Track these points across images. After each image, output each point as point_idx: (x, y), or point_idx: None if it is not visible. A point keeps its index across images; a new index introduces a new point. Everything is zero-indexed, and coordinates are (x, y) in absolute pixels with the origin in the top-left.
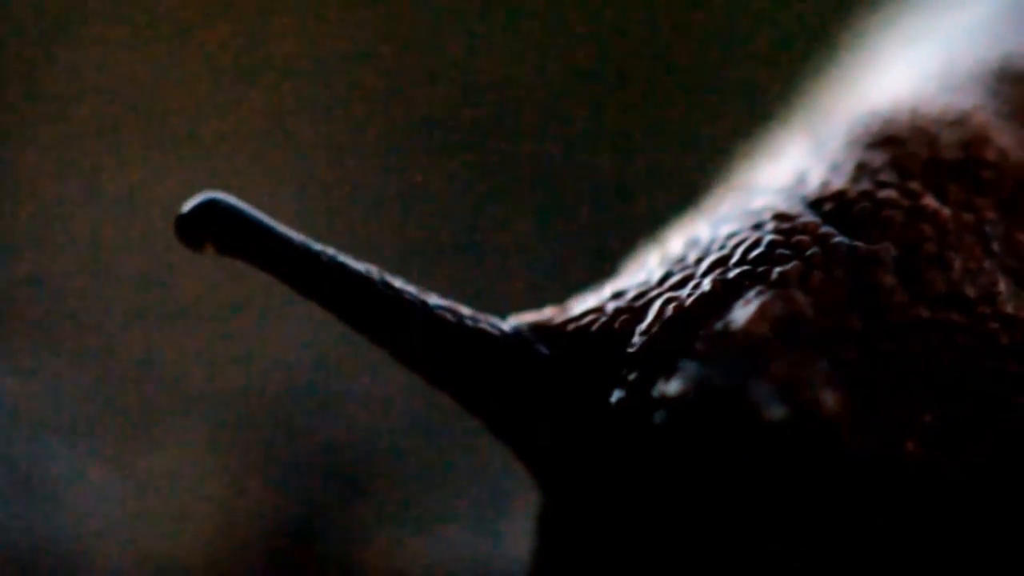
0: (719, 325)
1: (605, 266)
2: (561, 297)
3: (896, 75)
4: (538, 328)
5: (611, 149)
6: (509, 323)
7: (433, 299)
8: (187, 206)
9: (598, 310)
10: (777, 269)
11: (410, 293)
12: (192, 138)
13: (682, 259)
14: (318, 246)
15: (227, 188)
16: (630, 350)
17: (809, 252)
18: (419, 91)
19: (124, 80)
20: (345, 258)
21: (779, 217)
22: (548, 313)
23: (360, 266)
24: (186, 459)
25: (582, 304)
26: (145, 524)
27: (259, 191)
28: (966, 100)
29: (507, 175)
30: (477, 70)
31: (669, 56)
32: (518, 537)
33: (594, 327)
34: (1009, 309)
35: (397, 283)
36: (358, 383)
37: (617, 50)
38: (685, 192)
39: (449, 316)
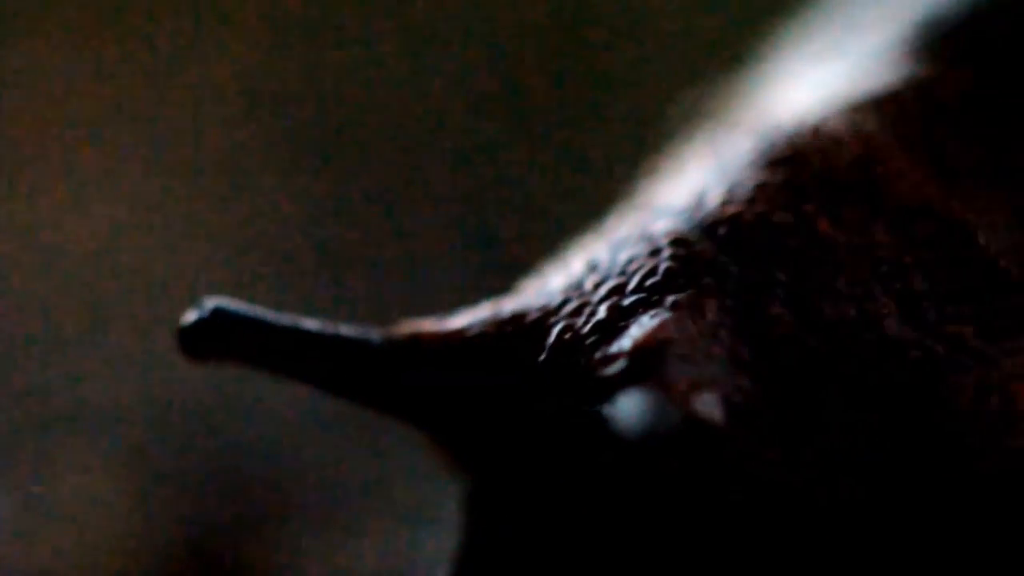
0: (611, 348)
1: (506, 279)
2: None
3: (802, 92)
4: (426, 337)
5: (517, 161)
6: (394, 330)
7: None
8: (189, 319)
9: (495, 326)
10: (670, 297)
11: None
12: (84, 152)
13: (580, 285)
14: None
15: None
16: (526, 369)
17: (703, 281)
18: (318, 104)
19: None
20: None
21: (676, 243)
22: (441, 323)
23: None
24: (86, 481)
25: (478, 318)
26: (52, 545)
27: (157, 204)
28: (867, 120)
29: (402, 188)
30: (374, 83)
31: (571, 69)
32: (438, 545)
33: (491, 343)
34: (893, 335)
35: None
36: (268, 400)
37: (519, 64)
38: (591, 204)
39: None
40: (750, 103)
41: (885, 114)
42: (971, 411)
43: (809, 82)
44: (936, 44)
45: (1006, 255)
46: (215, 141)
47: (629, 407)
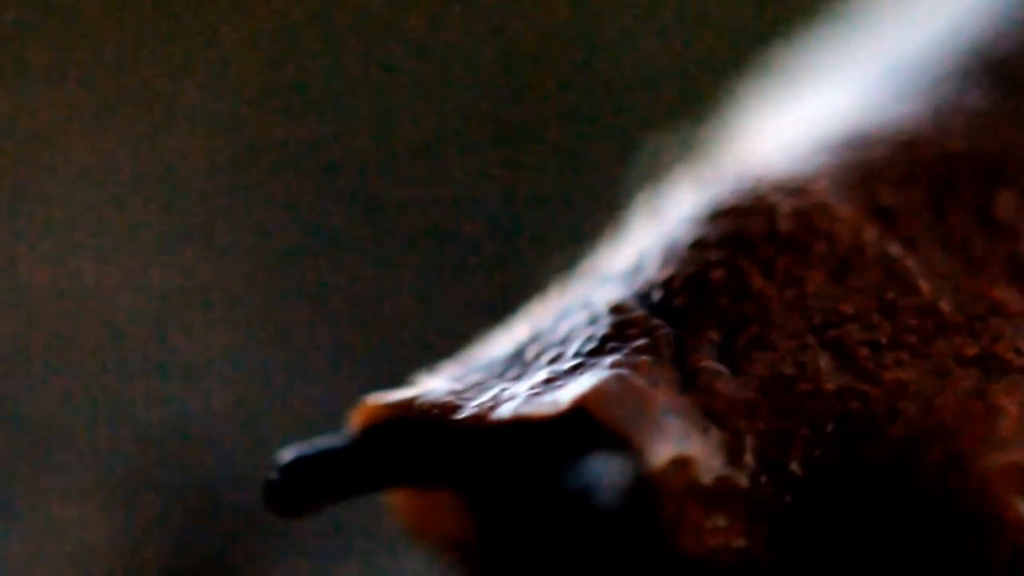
0: (546, 401)
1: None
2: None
3: (757, 139)
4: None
5: (509, 175)
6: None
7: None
8: (274, 477)
9: (433, 390)
10: (608, 359)
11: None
12: (67, 183)
13: (522, 354)
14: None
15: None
16: (459, 423)
17: (637, 343)
18: (308, 117)
19: None
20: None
21: (614, 311)
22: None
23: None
24: (74, 508)
25: (423, 387)
26: (42, 574)
27: (144, 232)
28: (813, 167)
29: (391, 200)
30: (367, 94)
31: (564, 86)
32: (420, 569)
33: (428, 403)
34: (830, 386)
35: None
36: (257, 427)
37: (512, 81)
38: (581, 218)
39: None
40: (712, 152)
41: (833, 159)
42: (913, 456)
43: (766, 129)
44: (891, 88)
45: (945, 296)
46: (203, 155)
47: (565, 459)
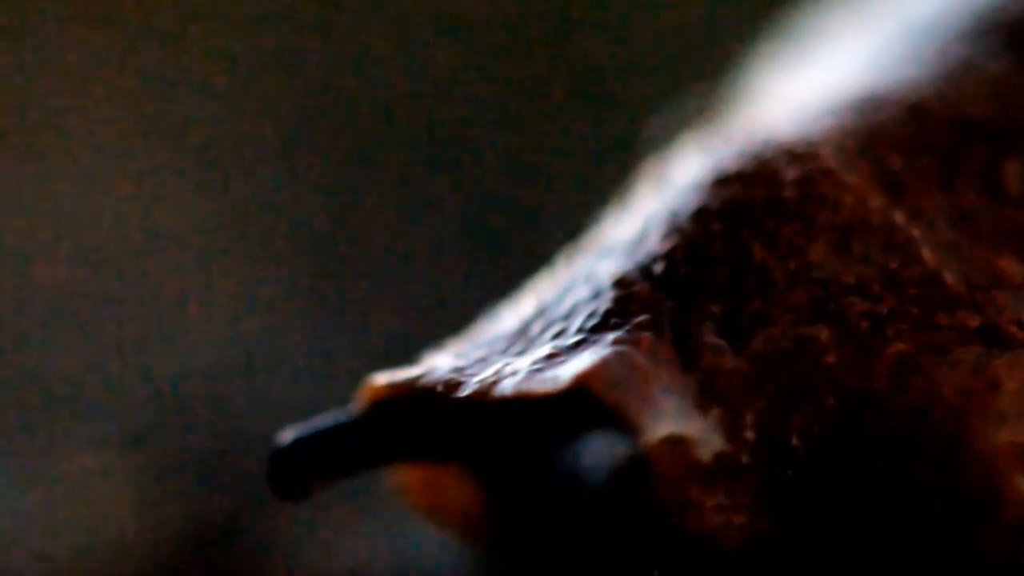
0: (547, 377)
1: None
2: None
3: (770, 103)
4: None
5: (517, 152)
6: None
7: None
8: (274, 458)
9: (437, 368)
10: (609, 335)
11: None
12: (86, 141)
13: (527, 330)
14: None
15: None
16: (462, 401)
17: (639, 319)
18: (319, 96)
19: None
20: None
21: (617, 284)
22: (400, 376)
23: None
24: (92, 464)
25: (427, 366)
26: (52, 530)
27: (160, 191)
28: (820, 132)
29: (402, 178)
30: (373, 73)
31: (572, 61)
32: (427, 541)
33: (432, 381)
34: (830, 360)
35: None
36: (264, 385)
37: (519, 56)
38: (592, 195)
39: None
40: (722, 117)
41: (837, 123)
42: (913, 432)
43: (775, 93)
44: (902, 52)
45: (949, 266)
46: (216, 132)
47: (563, 436)
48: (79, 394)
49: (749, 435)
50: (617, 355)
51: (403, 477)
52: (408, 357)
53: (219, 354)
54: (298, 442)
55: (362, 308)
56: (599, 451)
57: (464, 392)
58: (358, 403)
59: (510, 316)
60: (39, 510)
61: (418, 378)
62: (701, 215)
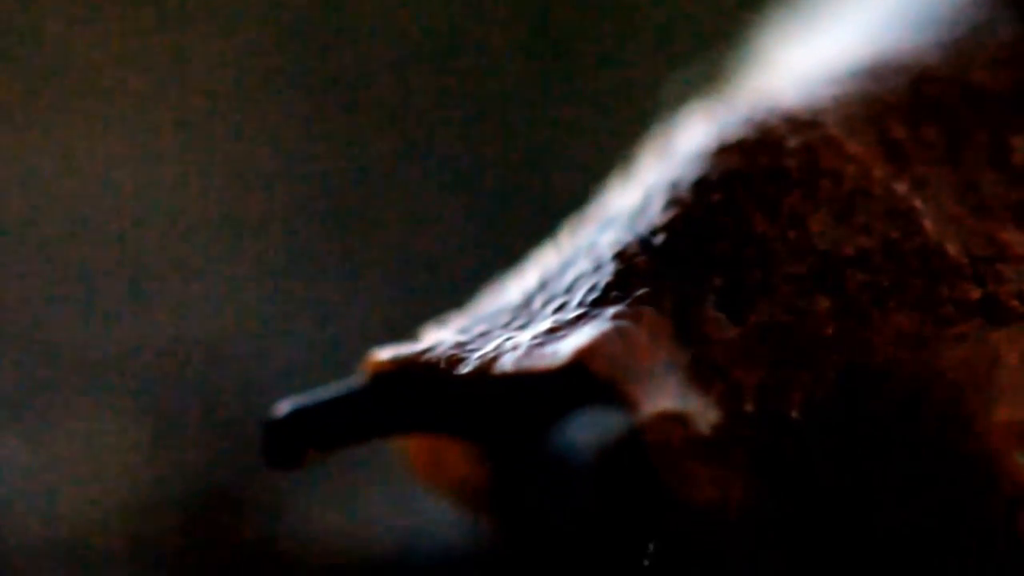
0: (546, 353)
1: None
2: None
3: (775, 73)
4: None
5: (532, 108)
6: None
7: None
8: (271, 430)
9: (440, 343)
10: (609, 310)
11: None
12: (100, 104)
13: (529, 304)
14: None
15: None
16: (463, 377)
17: (639, 292)
18: (326, 53)
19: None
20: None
21: (617, 257)
22: (402, 350)
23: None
24: (99, 430)
25: (426, 338)
26: (65, 492)
27: (167, 155)
28: (824, 99)
29: (411, 139)
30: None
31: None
32: (435, 508)
33: (434, 357)
34: (830, 333)
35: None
36: (278, 348)
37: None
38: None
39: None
40: (731, 86)
41: (843, 90)
42: (913, 406)
43: (784, 62)
44: (911, 19)
45: (952, 239)
46: (221, 95)
47: (562, 411)
48: (86, 359)
49: (748, 408)
50: (616, 330)
51: (405, 446)
52: (414, 323)
53: (229, 318)
54: (295, 413)
55: (370, 273)
56: (596, 426)
57: (466, 368)
58: (360, 376)
59: (514, 288)
60: (47, 475)
61: (421, 353)
62: (702, 185)
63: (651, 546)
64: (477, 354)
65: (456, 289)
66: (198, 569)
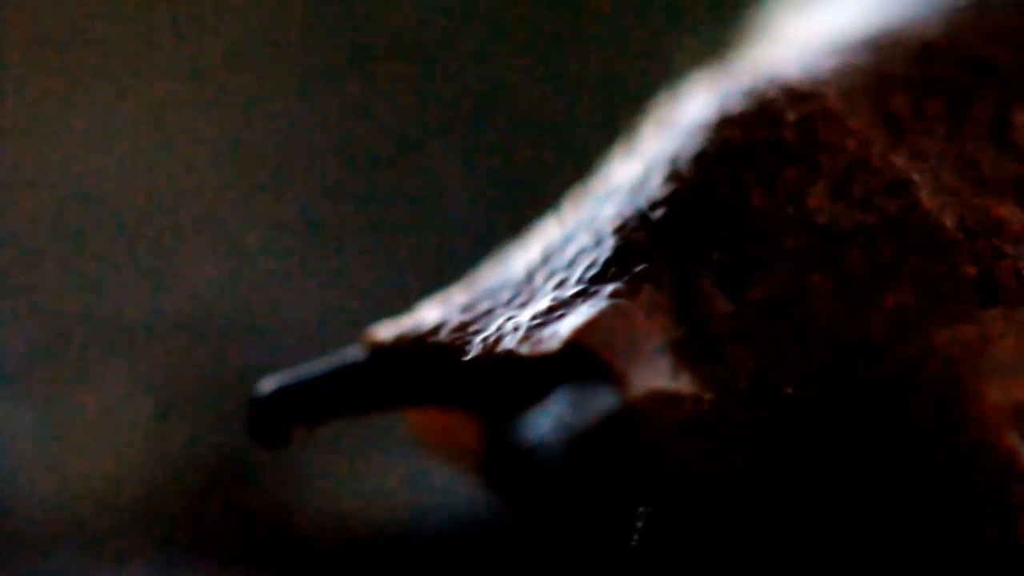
0: (545, 334)
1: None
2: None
3: (778, 44)
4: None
5: (536, 86)
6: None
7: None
8: (255, 408)
9: (444, 323)
10: (608, 287)
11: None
12: (111, 78)
13: (532, 278)
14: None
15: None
16: (467, 359)
17: (637, 268)
18: (334, 32)
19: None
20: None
21: (617, 232)
22: (399, 327)
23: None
24: (115, 396)
25: (429, 315)
26: (76, 462)
27: (181, 127)
28: (825, 70)
29: (414, 116)
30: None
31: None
32: (444, 475)
33: (440, 340)
34: (827, 308)
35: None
36: (289, 316)
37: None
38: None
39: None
40: (735, 57)
41: (844, 61)
42: (907, 384)
43: (788, 34)
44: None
45: (950, 214)
46: (227, 62)
47: (563, 392)
48: (97, 330)
49: (742, 384)
50: (613, 309)
51: (411, 415)
52: (419, 291)
53: (242, 288)
54: (280, 391)
55: (377, 240)
56: (591, 406)
57: (471, 353)
58: (356, 350)
59: (517, 260)
60: (55, 444)
61: (426, 335)
62: (701, 159)
63: (640, 523)
64: (480, 336)
65: (459, 261)
66: (209, 540)
